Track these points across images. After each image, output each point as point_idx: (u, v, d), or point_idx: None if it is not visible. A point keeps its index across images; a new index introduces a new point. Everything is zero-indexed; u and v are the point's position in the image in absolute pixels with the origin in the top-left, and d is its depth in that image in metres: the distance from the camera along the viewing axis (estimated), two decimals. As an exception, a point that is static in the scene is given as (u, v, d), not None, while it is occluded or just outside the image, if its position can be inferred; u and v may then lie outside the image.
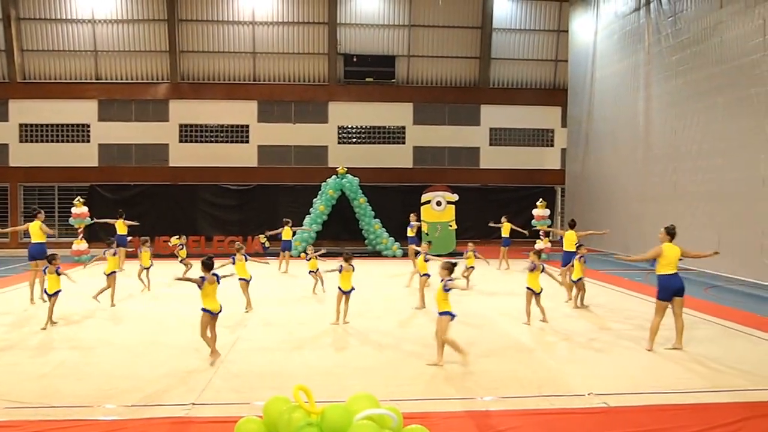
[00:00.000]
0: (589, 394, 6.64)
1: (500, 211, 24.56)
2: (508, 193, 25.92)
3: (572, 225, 13.45)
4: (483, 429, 5.69)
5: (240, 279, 11.33)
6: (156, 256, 20.45)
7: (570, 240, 12.74)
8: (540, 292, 10.30)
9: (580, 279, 11.65)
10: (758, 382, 7.08)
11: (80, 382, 7.07)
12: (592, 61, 23.43)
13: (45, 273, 10.22)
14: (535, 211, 19.22)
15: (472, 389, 6.86)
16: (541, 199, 19.53)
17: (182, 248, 16.21)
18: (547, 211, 19.45)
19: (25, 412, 6.10)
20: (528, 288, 10.36)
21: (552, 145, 27.09)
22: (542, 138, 27.11)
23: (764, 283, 13.90)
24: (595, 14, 23.16)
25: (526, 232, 18.20)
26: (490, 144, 26.77)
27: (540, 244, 19.02)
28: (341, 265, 10.30)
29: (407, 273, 14.96)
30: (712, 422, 5.78)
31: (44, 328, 9.84)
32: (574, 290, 11.90)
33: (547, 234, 19.29)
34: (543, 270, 10.31)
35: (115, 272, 12.01)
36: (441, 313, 7.75)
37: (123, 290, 13.47)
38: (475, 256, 13.99)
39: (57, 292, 10.07)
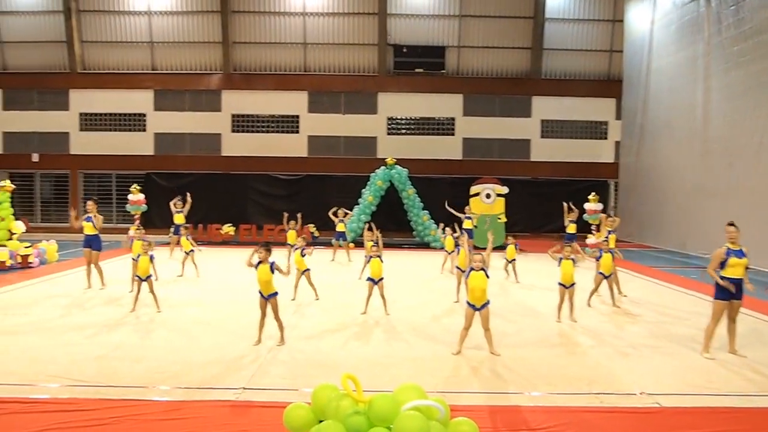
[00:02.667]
0: (640, 394, 6.50)
1: (550, 205, 24.27)
2: (559, 187, 25.44)
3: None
4: (530, 424, 5.64)
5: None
6: (208, 243, 21.09)
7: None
8: (571, 286, 9.96)
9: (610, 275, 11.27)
10: (820, 386, 6.81)
11: (136, 364, 7.30)
12: (648, 52, 22.79)
13: (137, 260, 10.56)
14: (587, 205, 18.83)
15: (520, 384, 6.80)
16: (593, 193, 19.14)
17: (291, 230, 16.17)
18: (600, 206, 19.02)
19: (85, 390, 6.34)
20: (559, 283, 10.07)
21: (606, 138, 26.51)
22: (595, 130, 26.55)
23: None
24: (653, 3, 22.50)
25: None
26: (542, 136, 26.36)
27: (592, 239, 18.67)
28: (369, 255, 10.31)
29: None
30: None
31: (159, 311, 10.21)
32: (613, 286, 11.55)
33: (599, 228, 18.89)
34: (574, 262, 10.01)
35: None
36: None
37: (174, 275, 13.90)
38: (516, 249, 14.02)
39: (149, 277, 10.37)
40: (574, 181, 25.42)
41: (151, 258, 10.37)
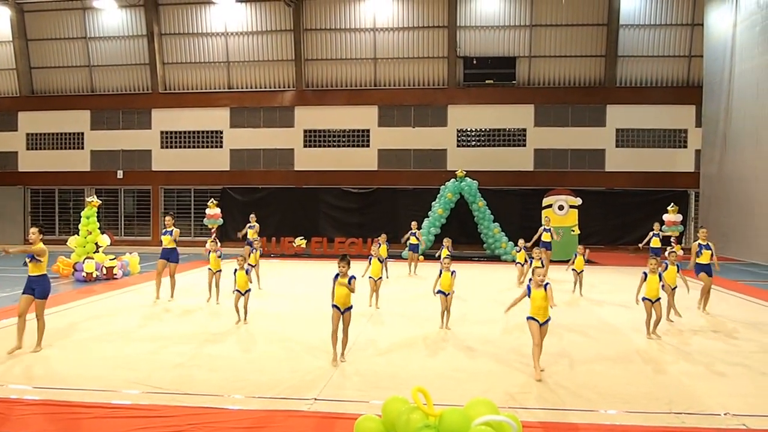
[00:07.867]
0: (725, 414, 6.17)
1: (626, 217, 23.61)
2: (635, 197, 24.69)
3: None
4: (607, 443, 5.45)
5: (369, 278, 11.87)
6: (281, 255, 21.56)
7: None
8: (656, 301, 9.53)
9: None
10: None
11: (212, 373, 7.50)
12: (730, 56, 21.85)
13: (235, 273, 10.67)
14: (666, 217, 18.15)
15: (595, 401, 6.58)
16: (672, 204, 18.44)
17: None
18: (680, 217, 18.29)
19: (164, 397, 6.57)
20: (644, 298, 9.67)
21: (685, 146, 25.50)
22: (674, 139, 25.59)
23: None
24: (734, 5, 21.59)
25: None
26: (617, 146, 25.62)
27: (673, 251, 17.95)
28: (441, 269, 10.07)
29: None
30: None
31: (246, 323, 10.39)
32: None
33: (678, 241, 18.15)
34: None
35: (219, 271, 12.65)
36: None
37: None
38: (585, 259, 13.65)
39: (248, 291, 10.53)
40: (652, 191, 24.58)
41: (247, 271, 10.55)
